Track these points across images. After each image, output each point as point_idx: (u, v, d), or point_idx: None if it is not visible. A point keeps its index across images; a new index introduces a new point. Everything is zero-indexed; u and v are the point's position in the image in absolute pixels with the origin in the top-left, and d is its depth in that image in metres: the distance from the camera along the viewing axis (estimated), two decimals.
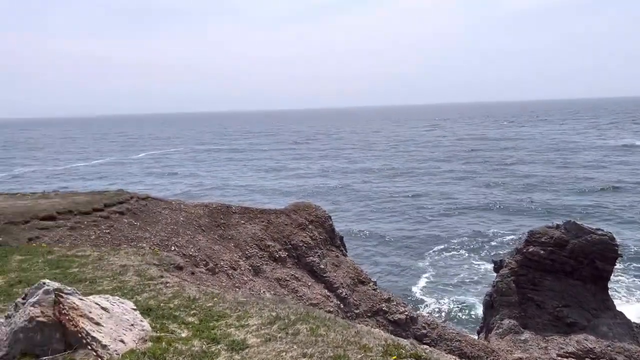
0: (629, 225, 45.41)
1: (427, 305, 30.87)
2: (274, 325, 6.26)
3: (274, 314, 6.75)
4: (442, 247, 41.70)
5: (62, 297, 5.61)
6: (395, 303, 19.93)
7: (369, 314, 19.00)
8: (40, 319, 5.36)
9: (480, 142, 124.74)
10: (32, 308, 5.40)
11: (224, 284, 12.49)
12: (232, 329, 6.15)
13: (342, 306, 18.08)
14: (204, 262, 14.21)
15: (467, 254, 39.69)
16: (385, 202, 59.17)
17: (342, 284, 19.25)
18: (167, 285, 7.98)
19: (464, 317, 29.74)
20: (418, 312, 23.04)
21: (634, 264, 35.30)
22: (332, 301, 17.79)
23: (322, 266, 19.43)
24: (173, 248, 14.40)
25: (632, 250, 37.93)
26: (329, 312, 14.72)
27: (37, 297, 5.53)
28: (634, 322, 22.63)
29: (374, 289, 20.13)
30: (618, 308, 23.26)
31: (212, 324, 6.37)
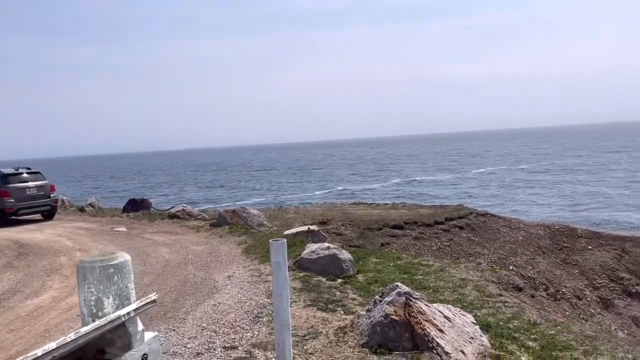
0: None
1: None
2: None
3: (630, 356, 5.88)
4: None
5: (411, 300, 6.21)
6: None
7: None
8: (393, 317, 6.05)
9: None
10: (387, 306, 6.15)
11: (567, 313, 11.52)
12: None
13: None
14: (543, 286, 13.40)
15: None
16: None
17: None
18: (507, 304, 7.87)
19: None
20: None
21: None
22: None
23: None
24: (511, 267, 14.09)
25: None
26: None
27: (392, 297, 6.27)
28: None
29: None
30: None
31: (555, 353, 5.98)
